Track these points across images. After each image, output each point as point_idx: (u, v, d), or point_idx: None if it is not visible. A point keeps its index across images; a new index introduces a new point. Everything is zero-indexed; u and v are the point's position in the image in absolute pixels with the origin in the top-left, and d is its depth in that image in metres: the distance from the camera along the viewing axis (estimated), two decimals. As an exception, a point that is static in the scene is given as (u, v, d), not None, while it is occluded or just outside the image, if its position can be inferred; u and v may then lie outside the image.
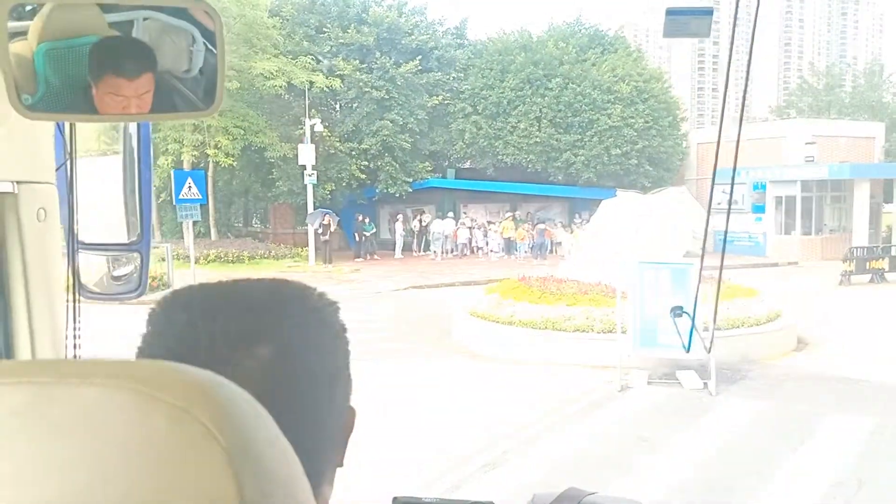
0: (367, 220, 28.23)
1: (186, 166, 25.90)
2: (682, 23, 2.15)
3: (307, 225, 26.26)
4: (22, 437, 0.37)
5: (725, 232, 2.98)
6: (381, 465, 6.25)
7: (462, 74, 30.05)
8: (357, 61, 28.07)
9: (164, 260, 13.91)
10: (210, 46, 0.93)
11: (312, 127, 25.66)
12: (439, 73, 29.44)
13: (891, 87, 51.47)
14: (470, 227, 29.27)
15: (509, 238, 27.86)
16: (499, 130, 29.04)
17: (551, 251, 27.07)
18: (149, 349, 0.64)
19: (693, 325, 9.06)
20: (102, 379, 0.38)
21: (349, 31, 28.56)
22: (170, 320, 0.65)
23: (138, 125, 1.44)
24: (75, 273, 1.29)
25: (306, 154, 25.19)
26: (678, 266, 9.61)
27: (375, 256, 27.66)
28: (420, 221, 29.83)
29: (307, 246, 26.48)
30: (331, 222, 25.48)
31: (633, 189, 24.05)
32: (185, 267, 20.31)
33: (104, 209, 1.50)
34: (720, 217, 13.12)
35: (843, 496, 5.91)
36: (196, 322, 0.63)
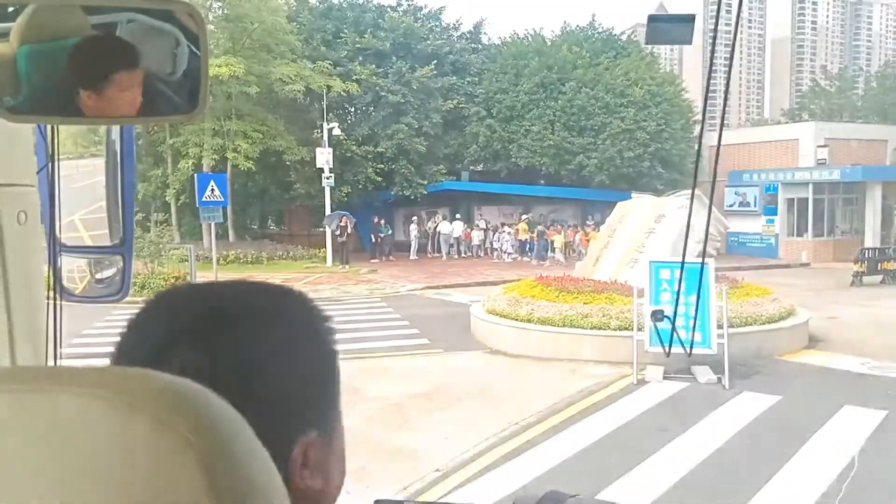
0: (383, 223, 28.64)
1: (206, 169, 26.39)
2: (663, 29, 2.15)
3: (324, 227, 26.69)
4: (1, 447, 0.37)
5: (704, 237, 3.19)
6: (428, 450, 6.95)
7: (476, 79, 30.50)
8: (373, 66, 28.55)
9: (186, 261, 14.47)
10: (194, 49, 0.93)
11: (330, 131, 26.08)
12: (454, 78, 29.90)
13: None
14: (484, 229, 29.63)
15: (524, 240, 28.20)
16: (512, 134, 29.44)
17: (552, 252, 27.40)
18: (124, 354, 0.63)
19: (706, 323, 9.44)
20: (80, 388, 0.38)
21: (365, 36, 29.05)
22: (147, 325, 0.64)
23: (121, 128, 1.42)
24: (57, 276, 1.28)
25: (324, 157, 25.66)
26: (691, 265, 9.92)
27: (391, 258, 28.04)
28: (434, 223, 30.22)
29: (323, 247, 26.98)
30: (347, 224, 25.85)
31: (646, 191, 24.37)
32: (206, 267, 20.87)
33: (86, 212, 1.47)
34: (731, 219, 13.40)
35: (848, 482, 6.20)
36: (174, 328, 0.62)
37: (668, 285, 9.80)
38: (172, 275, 19.40)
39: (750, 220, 28.75)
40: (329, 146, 25.99)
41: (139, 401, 0.37)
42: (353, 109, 30.83)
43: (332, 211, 26.17)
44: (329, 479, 0.63)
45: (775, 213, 28.79)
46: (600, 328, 11.12)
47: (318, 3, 31.43)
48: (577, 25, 32.39)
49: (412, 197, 29.64)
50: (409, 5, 31.51)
